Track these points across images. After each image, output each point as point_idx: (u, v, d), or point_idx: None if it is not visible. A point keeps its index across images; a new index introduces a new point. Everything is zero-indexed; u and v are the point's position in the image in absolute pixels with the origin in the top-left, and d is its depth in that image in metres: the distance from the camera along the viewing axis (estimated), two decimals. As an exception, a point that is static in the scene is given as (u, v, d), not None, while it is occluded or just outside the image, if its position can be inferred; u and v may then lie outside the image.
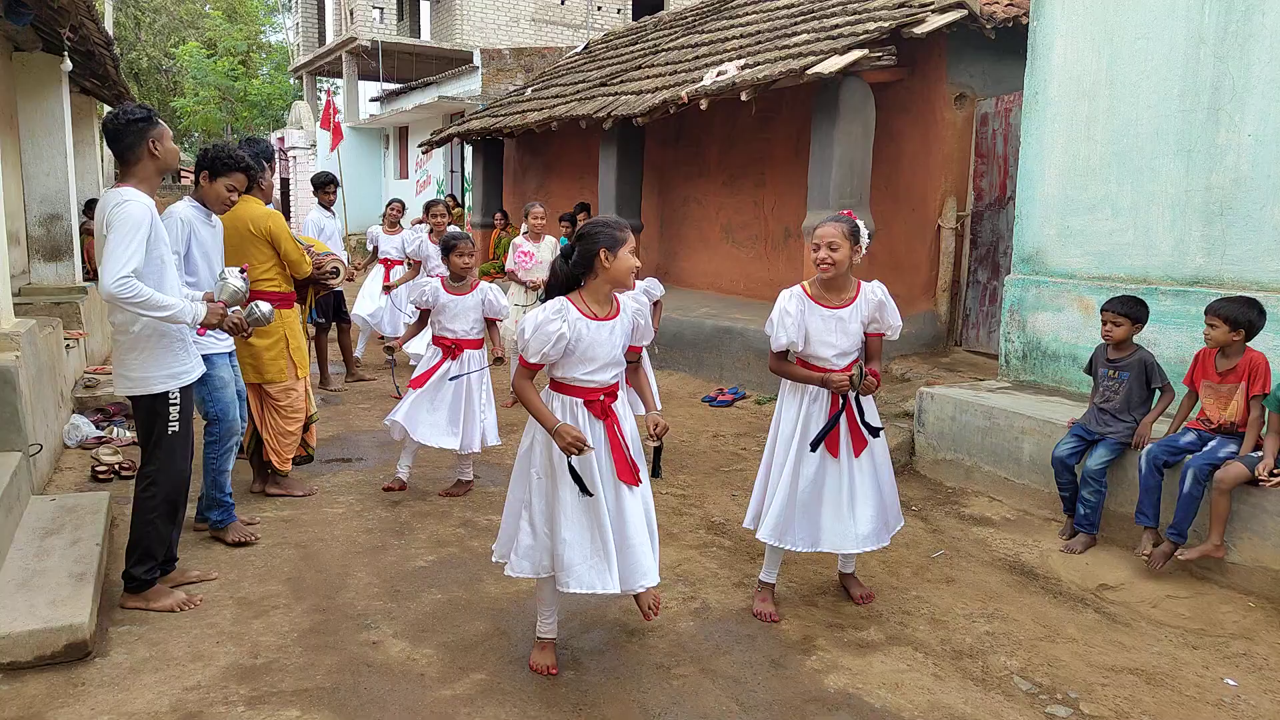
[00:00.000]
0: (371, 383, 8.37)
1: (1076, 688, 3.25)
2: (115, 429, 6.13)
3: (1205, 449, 4.15)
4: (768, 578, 3.88)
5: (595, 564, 3.13)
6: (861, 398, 3.70)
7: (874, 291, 3.70)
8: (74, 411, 6.32)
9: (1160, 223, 5.11)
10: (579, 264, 3.16)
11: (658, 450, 3.38)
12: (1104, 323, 4.58)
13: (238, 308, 3.83)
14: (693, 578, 4.14)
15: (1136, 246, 5.24)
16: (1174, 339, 4.88)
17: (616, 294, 3.26)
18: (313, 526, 4.66)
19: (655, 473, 3.35)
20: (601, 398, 3.21)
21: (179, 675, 3.20)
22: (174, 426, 3.58)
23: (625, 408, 3.33)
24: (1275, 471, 3.86)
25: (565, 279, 3.20)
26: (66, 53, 7.73)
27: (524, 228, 7.93)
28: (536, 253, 7.78)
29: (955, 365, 7.21)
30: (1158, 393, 4.50)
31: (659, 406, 3.41)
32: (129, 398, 3.60)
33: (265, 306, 3.95)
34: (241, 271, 3.92)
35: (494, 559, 3.43)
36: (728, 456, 6.12)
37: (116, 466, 5.34)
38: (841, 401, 3.66)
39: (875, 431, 3.76)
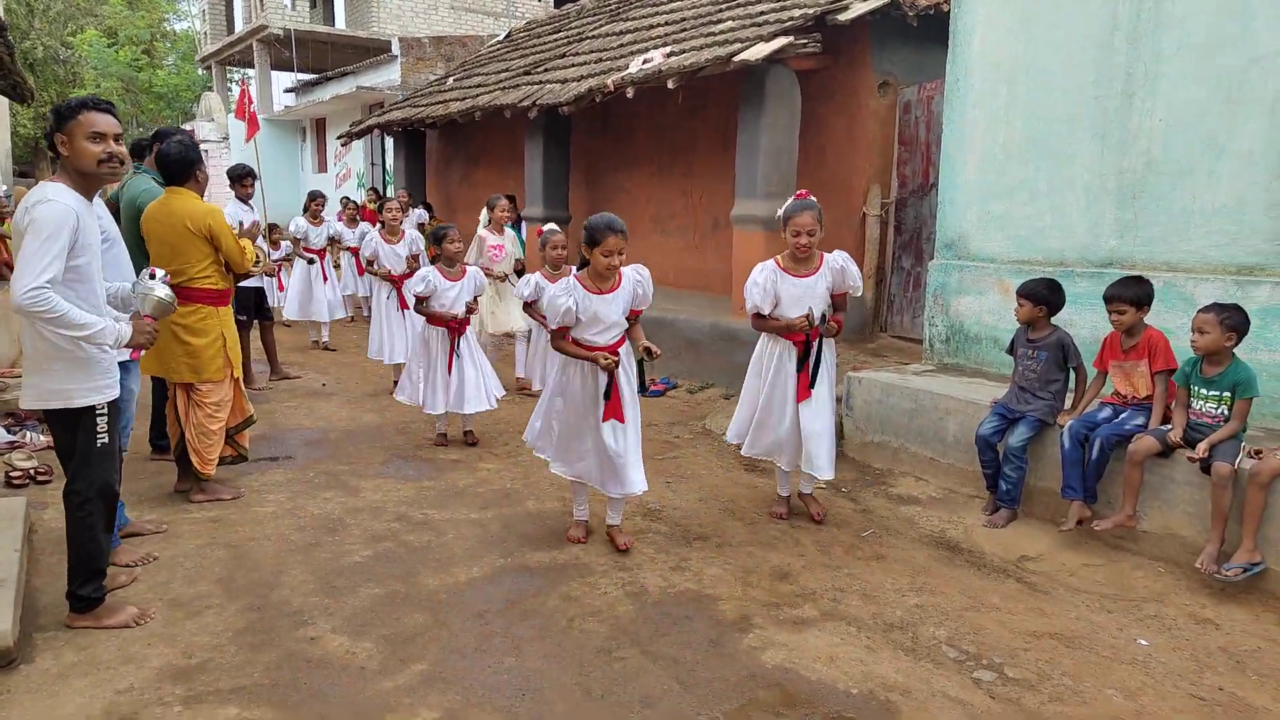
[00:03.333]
0: (297, 380, 8.19)
1: (1001, 653, 3.39)
2: (28, 434, 5.87)
3: (1115, 420, 4.37)
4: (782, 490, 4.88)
5: (586, 467, 4.27)
6: (826, 341, 4.53)
7: (835, 260, 4.47)
8: (-18, 416, 6.04)
9: (1076, 206, 5.29)
10: (584, 248, 4.08)
11: (640, 364, 4.26)
12: (1017, 305, 4.79)
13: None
14: (630, 563, 4.17)
15: (1054, 229, 5.42)
16: (1089, 319, 5.05)
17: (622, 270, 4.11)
18: (243, 526, 4.56)
19: (642, 387, 4.28)
20: (615, 366, 4.08)
21: (110, 679, 3.12)
22: (103, 439, 3.37)
23: (629, 360, 4.22)
24: (1182, 447, 4.06)
25: (581, 258, 4.15)
26: (-46, 38, 7.32)
27: (484, 218, 7.82)
28: (505, 244, 7.80)
29: (881, 350, 7.39)
30: (1073, 372, 4.69)
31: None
32: (45, 412, 3.32)
33: (159, 286, 3.47)
34: (164, 278, 3.52)
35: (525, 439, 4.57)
36: (660, 445, 6.16)
37: (31, 471, 5.12)
38: (806, 342, 4.46)
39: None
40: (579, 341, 4.12)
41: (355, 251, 10.62)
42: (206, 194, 4.87)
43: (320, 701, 3.01)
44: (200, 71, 31.83)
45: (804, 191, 4.53)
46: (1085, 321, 5.07)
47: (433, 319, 5.98)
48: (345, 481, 5.30)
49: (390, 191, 15.87)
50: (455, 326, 5.99)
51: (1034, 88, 5.47)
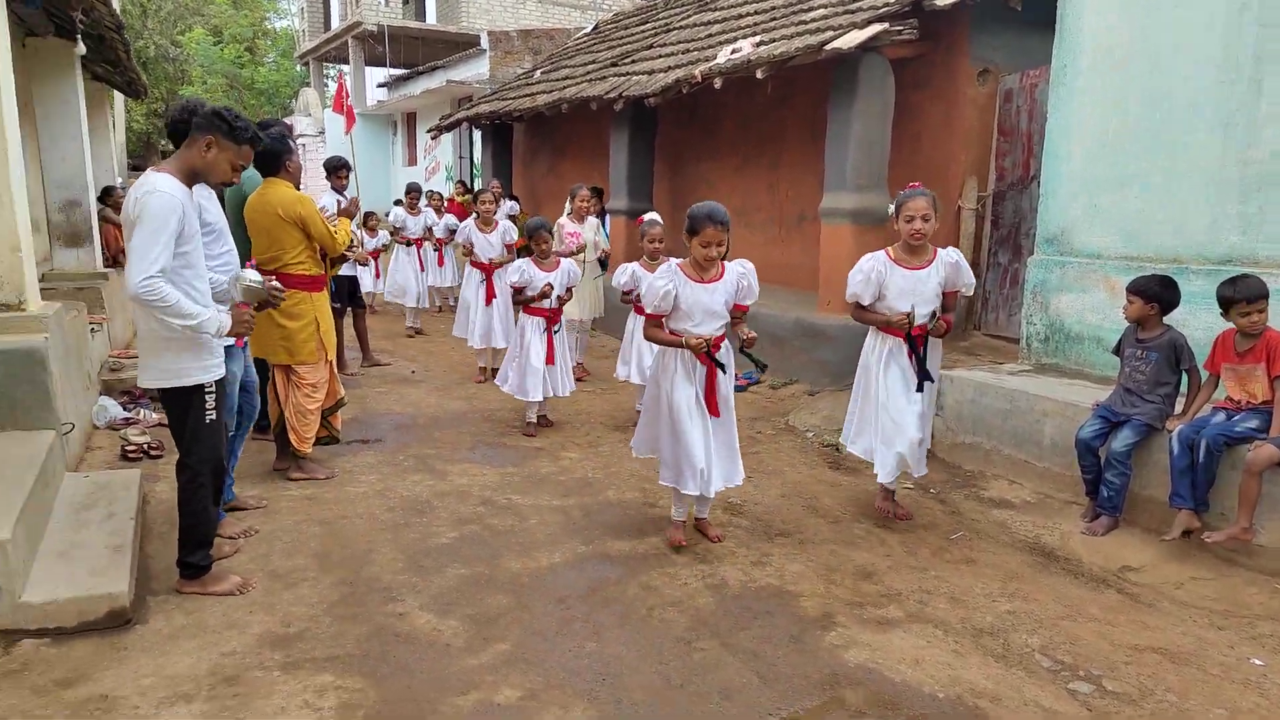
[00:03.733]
0: (387, 366, 8.38)
1: (1099, 665, 3.25)
2: (142, 410, 6.18)
3: (1226, 422, 4.13)
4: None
5: (690, 472, 4.02)
6: (932, 339, 4.40)
7: (949, 255, 4.37)
8: (101, 393, 6.37)
9: (1193, 199, 4.99)
10: (685, 236, 4.01)
11: (744, 348, 4.10)
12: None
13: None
14: (712, 555, 4.15)
15: (1167, 224, 5.12)
16: (1205, 320, 4.72)
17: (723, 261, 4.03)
18: (336, 504, 4.70)
19: (761, 367, 4.33)
20: (706, 348, 3.95)
21: (215, 642, 3.27)
22: (211, 416, 3.53)
23: (728, 356, 4.11)
24: None
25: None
26: (79, 36, 7.70)
27: (567, 207, 8.03)
28: (583, 233, 7.92)
29: (974, 349, 7.18)
30: (1184, 375, 4.46)
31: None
32: (160, 390, 3.49)
33: (252, 274, 3.72)
34: (255, 268, 3.80)
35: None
36: (743, 440, 6.02)
37: (145, 446, 5.40)
38: (910, 339, 4.33)
39: (927, 377, 4.42)
40: (675, 331, 4.03)
41: (440, 241, 10.93)
42: (302, 185, 5.03)
43: (408, 675, 3.08)
44: (298, 68, 32.89)
45: (917, 184, 4.40)
46: (1199, 322, 4.76)
47: (529, 308, 6.11)
48: (433, 465, 5.40)
49: (477, 184, 16.15)
50: (550, 316, 6.12)
51: (1149, 73, 5.18)
